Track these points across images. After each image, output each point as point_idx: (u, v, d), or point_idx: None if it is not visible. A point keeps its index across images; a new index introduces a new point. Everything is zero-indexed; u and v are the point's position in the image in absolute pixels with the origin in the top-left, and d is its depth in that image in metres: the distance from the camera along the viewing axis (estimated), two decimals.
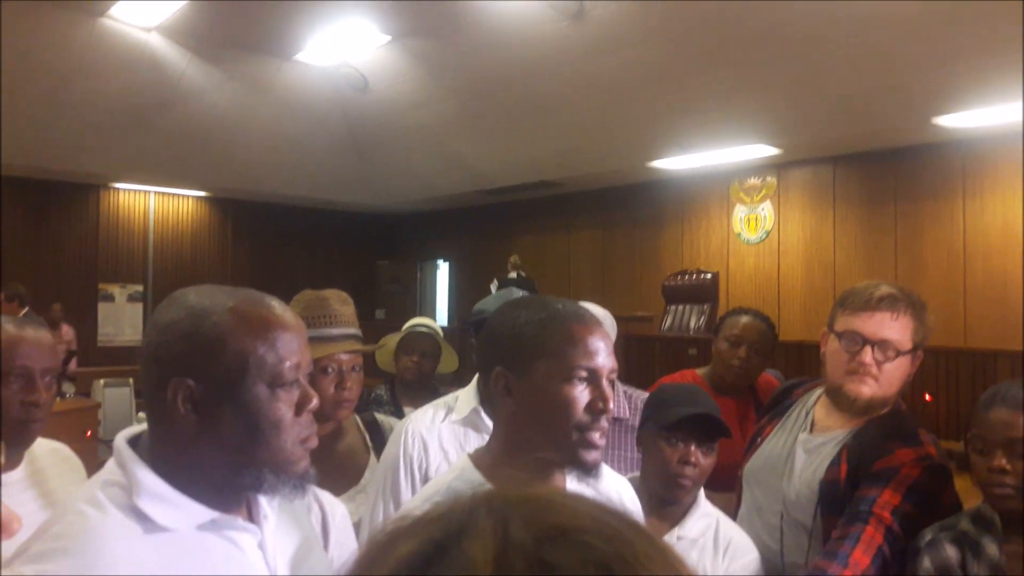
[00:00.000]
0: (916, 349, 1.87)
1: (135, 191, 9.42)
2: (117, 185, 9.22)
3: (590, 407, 1.25)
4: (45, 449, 1.73)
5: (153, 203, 9.57)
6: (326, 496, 1.59)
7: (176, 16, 6.66)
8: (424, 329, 3.34)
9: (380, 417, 2.36)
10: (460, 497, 0.48)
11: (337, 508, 1.57)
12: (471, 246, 10.49)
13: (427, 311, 10.69)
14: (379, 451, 2.11)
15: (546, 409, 1.26)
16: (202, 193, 9.76)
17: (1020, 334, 5.73)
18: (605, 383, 1.27)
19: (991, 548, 1.58)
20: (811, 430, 1.97)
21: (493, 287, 9.52)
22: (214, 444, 1.04)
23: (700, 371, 3.09)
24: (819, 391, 2.06)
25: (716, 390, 2.81)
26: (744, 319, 3.01)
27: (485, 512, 0.45)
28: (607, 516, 0.47)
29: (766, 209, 7.52)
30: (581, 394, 1.25)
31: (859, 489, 1.76)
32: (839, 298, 1.96)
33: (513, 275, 9.04)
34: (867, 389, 1.84)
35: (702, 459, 1.81)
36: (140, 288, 9.41)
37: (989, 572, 1.57)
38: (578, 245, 9.27)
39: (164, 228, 9.67)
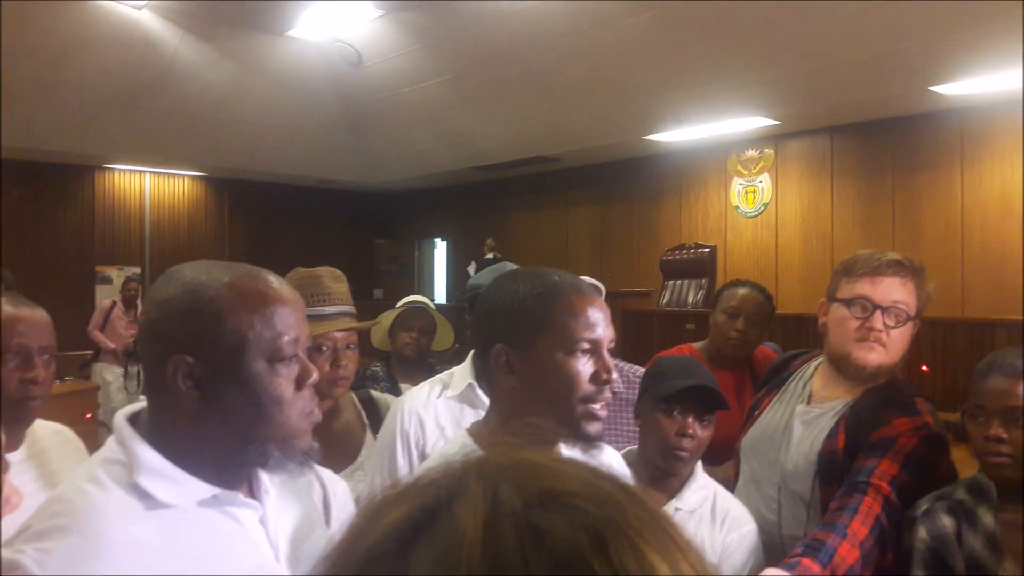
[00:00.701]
0: (919, 315, 1.88)
1: (130, 172, 9.38)
2: (112, 166, 9.17)
3: (595, 378, 1.26)
4: (47, 431, 1.74)
5: (149, 184, 9.53)
6: (327, 473, 1.59)
7: None
8: (420, 305, 3.34)
9: (376, 394, 2.37)
10: (451, 463, 0.48)
11: (338, 485, 1.57)
12: (469, 224, 10.47)
13: (425, 290, 10.69)
14: (376, 429, 2.11)
15: (551, 383, 1.26)
16: (198, 173, 9.72)
17: (1018, 303, 5.74)
18: (606, 353, 1.27)
19: (987, 517, 1.59)
20: (809, 401, 1.97)
21: (471, 269, 9.58)
22: (217, 421, 1.04)
23: (697, 345, 3.10)
24: (816, 362, 2.06)
25: (713, 363, 2.82)
26: (741, 291, 3.01)
27: (475, 477, 0.45)
28: (599, 480, 0.46)
29: (764, 181, 7.50)
30: (585, 366, 1.25)
31: (857, 459, 1.76)
32: (841, 267, 1.95)
33: (490, 256, 9.10)
34: (875, 356, 1.84)
35: (700, 431, 1.81)
36: (137, 270, 9.39)
37: (985, 541, 1.58)
38: (576, 220, 9.25)
39: (160, 209, 9.63)
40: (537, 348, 1.26)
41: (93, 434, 5.11)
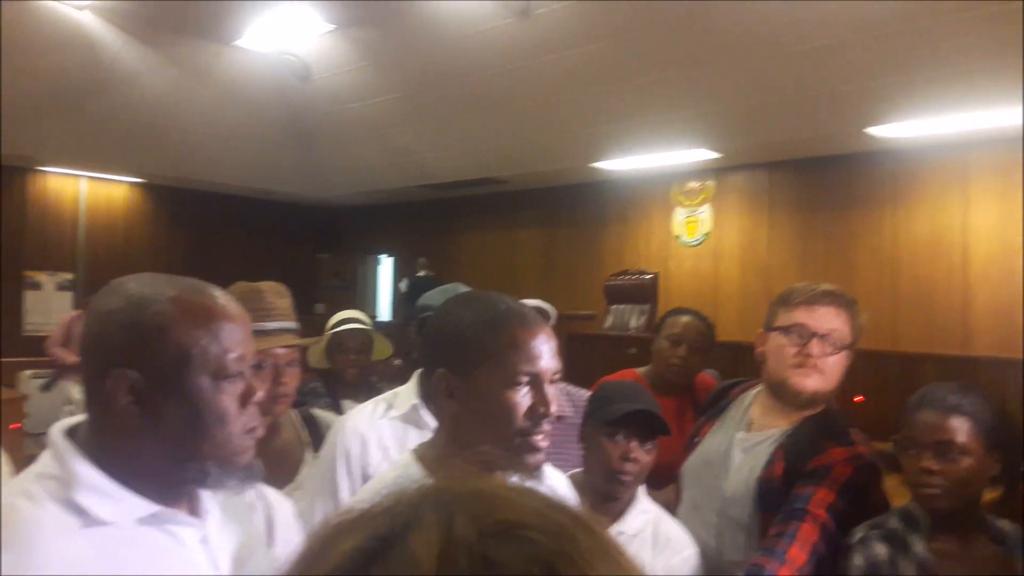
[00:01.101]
0: (853, 344, 1.94)
1: (65, 175, 9.10)
2: (45, 168, 8.89)
3: (531, 411, 1.25)
4: None
5: (85, 188, 9.26)
6: (272, 493, 1.56)
7: None
8: (352, 325, 3.33)
9: (318, 412, 2.33)
10: (406, 490, 0.48)
11: (283, 505, 1.54)
12: (414, 241, 10.42)
13: (368, 306, 10.58)
14: (317, 447, 2.08)
15: (488, 413, 1.25)
16: (136, 179, 9.48)
17: (946, 338, 5.95)
18: (547, 386, 1.26)
19: (919, 546, 1.64)
20: (748, 429, 2.01)
21: (402, 285, 9.61)
22: (156, 436, 1.01)
23: (640, 371, 3.14)
24: (755, 391, 2.11)
25: (656, 389, 2.86)
26: (684, 319, 3.07)
27: (431, 506, 0.45)
28: (552, 511, 0.47)
29: (705, 212, 7.65)
30: (523, 399, 1.24)
31: (794, 487, 1.80)
32: (778, 298, 2.01)
33: (422, 273, 9.16)
34: (811, 382, 1.89)
35: (643, 455, 1.83)
36: (70, 276, 9.09)
37: (917, 569, 1.63)
38: (522, 243, 9.29)
39: (96, 214, 9.36)
40: (476, 377, 1.25)
41: (19, 444, 4.90)
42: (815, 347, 1.88)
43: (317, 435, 2.15)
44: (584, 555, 0.43)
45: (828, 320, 1.89)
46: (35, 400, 6.54)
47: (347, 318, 3.40)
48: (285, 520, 1.46)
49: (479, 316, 1.27)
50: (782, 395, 1.94)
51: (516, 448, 1.25)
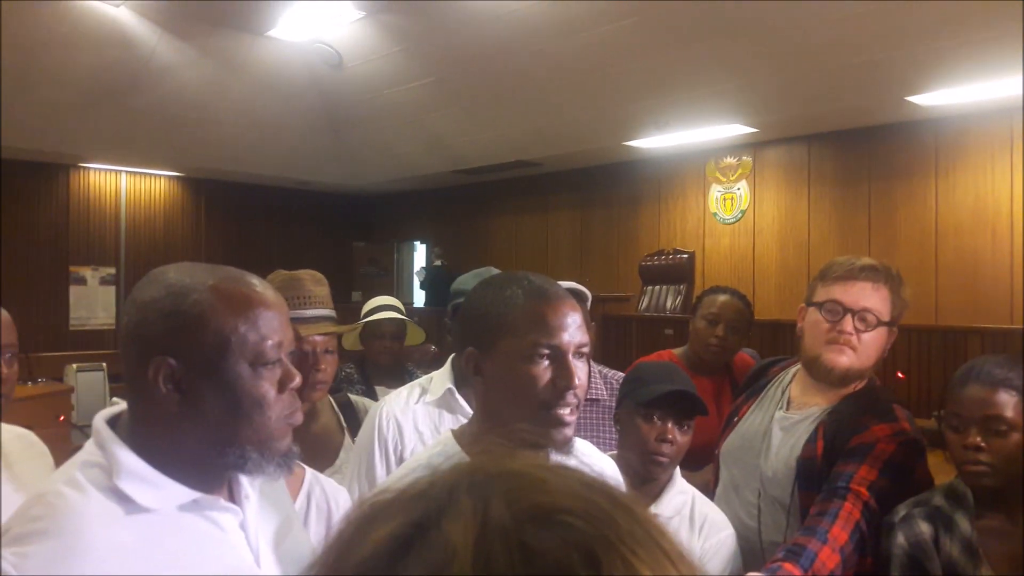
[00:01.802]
0: (893, 323, 1.90)
1: (106, 171, 9.27)
2: (87, 165, 9.06)
3: (552, 384, 1.25)
4: (10, 435, 1.71)
5: (125, 183, 9.43)
6: (329, 484, 1.60)
7: None
8: (386, 313, 3.35)
9: (354, 398, 2.37)
10: (441, 471, 0.47)
11: (340, 495, 1.59)
12: (448, 227, 10.46)
13: (404, 293, 10.66)
14: (354, 431, 2.11)
15: (511, 387, 1.26)
16: (175, 173, 9.63)
17: (990, 311, 5.83)
18: (572, 359, 1.25)
19: (964, 524, 1.61)
20: (787, 408, 1.99)
21: (419, 274, 9.82)
22: (196, 423, 1.03)
23: (677, 351, 3.12)
24: (795, 369, 2.08)
25: (693, 369, 2.84)
26: (721, 298, 3.03)
27: (466, 490, 0.45)
28: (591, 492, 0.46)
29: (741, 188, 7.55)
30: (543, 372, 1.24)
31: (836, 465, 1.78)
32: (818, 272, 1.98)
33: (437, 263, 9.45)
34: (844, 359, 1.86)
35: (679, 436, 1.82)
36: (112, 271, 9.28)
37: (962, 547, 1.60)
38: (556, 225, 9.26)
39: (136, 209, 9.53)
40: (498, 352, 1.26)
41: (66, 436, 5.04)
42: (848, 323, 1.85)
43: (354, 420, 2.19)
44: (625, 539, 0.42)
45: (864, 296, 1.86)
46: (81, 392, 6.71)
47: (381, 305, 3.42)
48: (342, 509, 1.49)
49: (500, 293, 1.28)
50: (815, 371, 1.92)
51: (542, 422, 1.25)
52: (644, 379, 1.90)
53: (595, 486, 0.47)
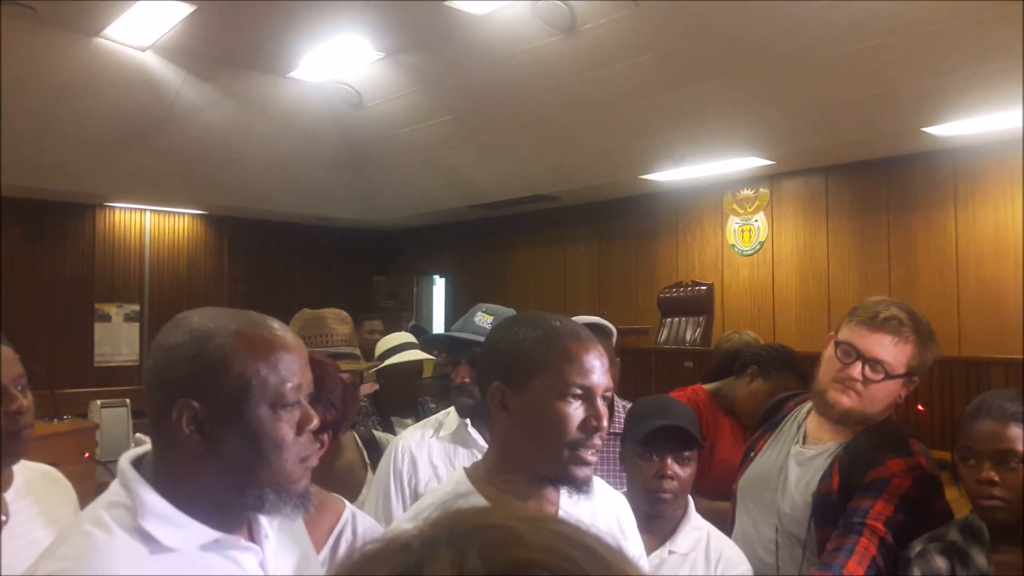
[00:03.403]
0: (911, 375, 1.89)
1: (131, 210, 9.43)
2: (112, 204, 9.23)
3: (584, 425, 1.26)
4: (35, 472, 1.74)
5: (149, 222, 9.59)
6: (364, 521, 1.61)
7: (172, 35, 6.70)
8: (404, 354, 3.38)
9: (378, 434, 2.40)
10: (427, 520, 0.50)
11: (375, 532, 1.60)
12: (467, 261, 10.52)
13: (424, 326, 10.70)
14: (376, 466, 2.14)
15: (540, 425, 1.27)
16: (198, 211, 9.78)
17: (1013, 342, 5.76)
18: (600, 401, 1.28)
19: (979, 559, 1.60)
20: (803, 442, 1.99)
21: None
22: (217, 465, 1.06)
23: (709, 387, 3.09)
24: (810, 404, 2.08)
25: (724, 409, 2.85)
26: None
27: (445, 543, 0.46)
28: (568, 546, 0.47)
29: (759, 220, 7.56)
30: (576, 411, 1.26)
31: (852, 500, 1.78)
32: (852, 307, 1.97)
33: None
34: (847, 400, 1.86)
35: (679, 471, 1.81)
36: (136, 308, 9.40)
37: None
38: (574, 258, 9.30)
39: (160, 247, 9.67)
40: (531, 389, 1.28)
41: (91, 473, 5.08)
42: (856, 370, 1.85)
43: (376, 455, 2.21)
44: None
45: (881, 348, 1.84)
46: (106, 429, 6.76)
47: (400, 344, 3.46)
48: None
49: (533, 332, 1.30)
50: (818, 405, 1.93)
51: (565, 461, 1.27)
52: (640, 416, 1.90)
53: (573, 539, 0.48)
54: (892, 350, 1.85)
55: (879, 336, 1.85)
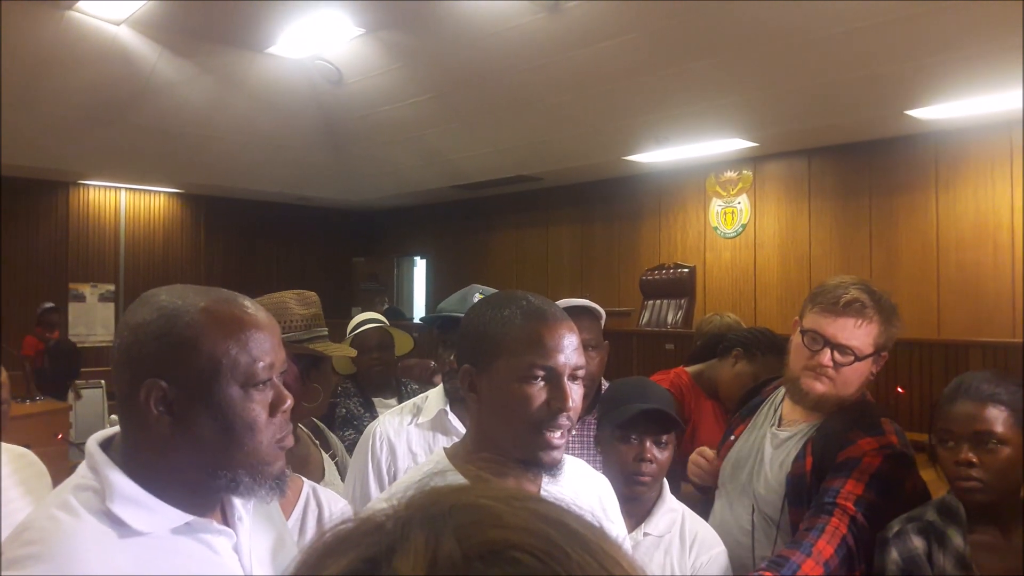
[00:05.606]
0: (879, 352, 1.89)
1: (106, 188, 9.30)
2: (87, 182, 9.10)
3: (547, 405, 1.25)
4: (10, 455, 1.71)
5: (124, 200, 9.46)
6: (325, 494, 1.61)
7: (146, 9, 6.57)
8: (368, 326, 3.40)
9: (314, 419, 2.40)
10: (400, 500, 0.48)
11: (337, 504, 1.59)
12: (449, 242, 10.48)
13: (404, 308, 10.67)
14: (325, 447, 2.15)
15: (504, 407, 1.26)
16: (174, 189, 9.66)
17: (991, 325, 5.83)
18: (566, 381, 1.26)
19: (957, 539, 1.61)
20: (779, 425, 2.00)
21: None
22: (188, 446, 1.03)
23: (691, 369, 3.09)
24: None
25: (706, 392, 2.85)
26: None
27: (419, 524, 0.45)
28: (547, 526, 0.45)
29: (742, 202, 7.57)
30: (538, 392, 1.25)
31: (824, 480, 1.78)
32: (811, 292, 1.98)
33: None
34: (820, 386, 1.87)
35: (658, 454, 1.81)
36: (112, 287, 9.30)
37: (955, 562, 1.60)
38: (556, 240, 9.28)
39: (136, 225, 9.55)
40: (495, 370, 1.27)
41: (64, 454, 5.04)
42: (826, 356, 1.85)
43: (322, 437, 2.24)
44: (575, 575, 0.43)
45: (847, 332, 1.84)
46: (79, 411, 6.70)
47: (364, 320, 3.49)
48: (338, 518, 1.50)
49: (498, 312, 1.29)
50: (792, 393, 1.94)
51: (532, 443, 1.25)
52: (618, 399, 1.89)
53: (552, 518, 0.46)
54: (858, 332, 1.84)
55: (843, 320, 1.84)
